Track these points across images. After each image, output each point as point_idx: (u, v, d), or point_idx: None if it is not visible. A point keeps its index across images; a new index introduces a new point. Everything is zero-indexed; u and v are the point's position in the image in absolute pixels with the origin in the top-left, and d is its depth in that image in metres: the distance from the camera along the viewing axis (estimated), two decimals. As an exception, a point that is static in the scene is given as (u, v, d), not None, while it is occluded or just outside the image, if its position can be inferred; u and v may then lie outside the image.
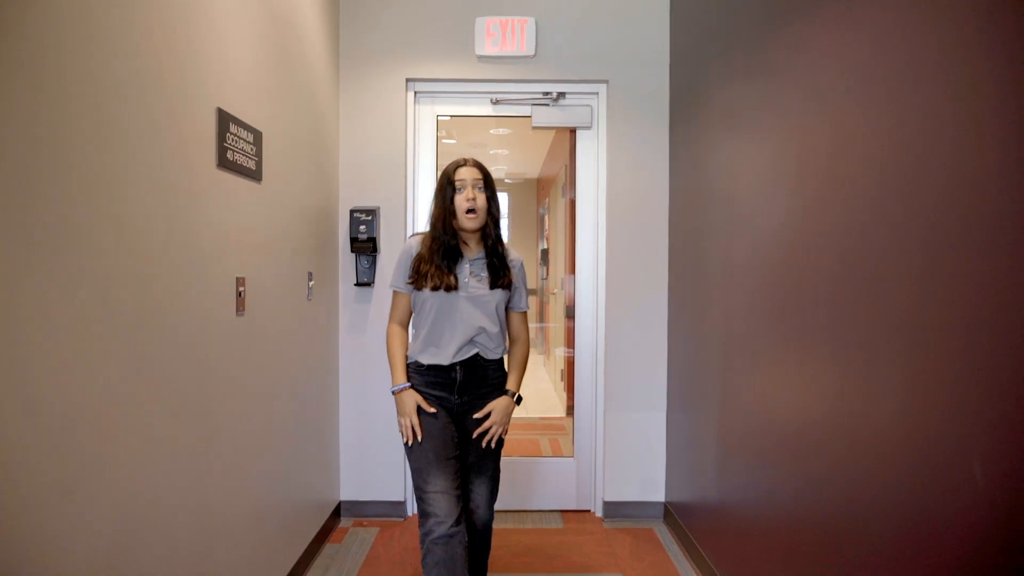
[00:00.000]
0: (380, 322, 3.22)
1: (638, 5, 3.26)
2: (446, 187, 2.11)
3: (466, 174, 2.10)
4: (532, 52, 3.23)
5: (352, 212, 3.19)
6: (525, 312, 2.27)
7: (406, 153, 3.31)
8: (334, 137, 3.19)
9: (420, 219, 3.36)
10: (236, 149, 2.01)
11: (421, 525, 1.98)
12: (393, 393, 2.11)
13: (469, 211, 2.06)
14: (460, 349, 2.08)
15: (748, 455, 2.30)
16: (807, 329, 1.86)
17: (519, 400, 2.18)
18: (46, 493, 1.21)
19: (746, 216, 2.33)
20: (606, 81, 3.29)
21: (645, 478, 3.34)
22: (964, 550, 1.22)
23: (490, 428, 2.10)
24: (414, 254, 2.11)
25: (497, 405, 2.11)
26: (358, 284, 3.23)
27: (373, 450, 3.29)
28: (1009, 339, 1.12)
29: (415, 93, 3.34)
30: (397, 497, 3.32)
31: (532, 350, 2.31)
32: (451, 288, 2.04)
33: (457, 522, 1.95)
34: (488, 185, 2.13)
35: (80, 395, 1.30)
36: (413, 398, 2.06)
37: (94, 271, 1.34)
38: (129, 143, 1.46)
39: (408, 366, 2.13)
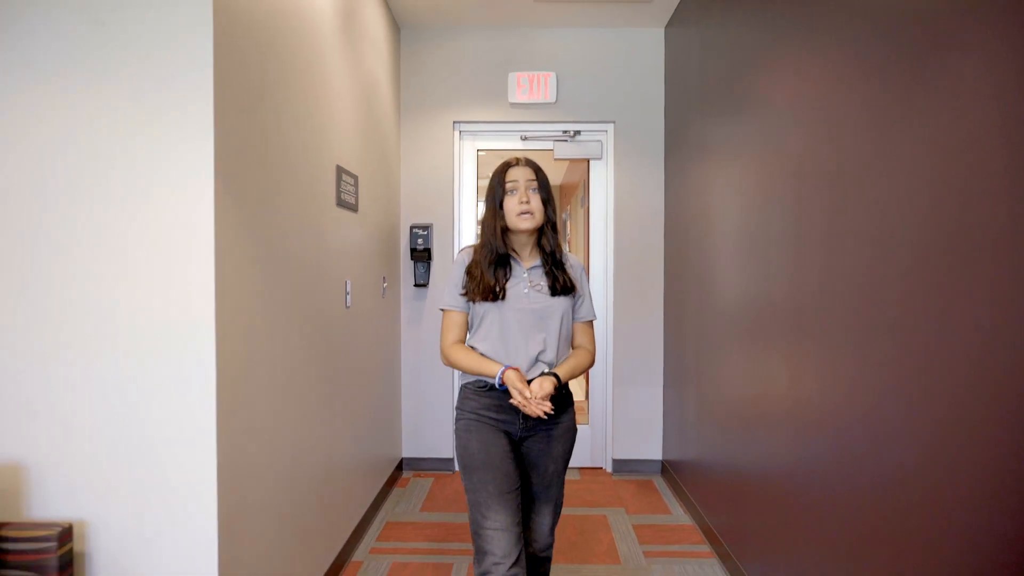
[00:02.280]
0: (432, 315, 4.06)
1: (639, 63, 4.06)
2: (495, 189, 1.93)
3: (518, 175, 1.91)
4: (554, 99, 4.04)
5: (412, 228, 4.03)
6: (591, 322, 2.05)
7: (453, 179, 4.14)
8: (397, 169, 4.04)
9: (465, 232, 4.19)
10: (345, 191, 2.85)
11: (476, 563, 1.80)
12: (502, 382, 1.82)
13: (523, 212, 1.88)
14: (526, 369, 1.87)
15: (712, 423, 3.09)
16: (747, 324, 2.65)
17: (560, 386, 1.87)
18: (258, 433, 2.05)
19: (711, 226, 3.12)
20: (613, 121, 4.09)
21: (646, 440, 4.14)
22: (835, 481, 2.01)
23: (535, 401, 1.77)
24: (466, 265, 1.95)
25: (536, 382, 1.82)
26: (416, 285, 4.07)
27: (426, 417, 4.13)
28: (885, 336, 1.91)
29: (460, 132, 4.17)
30: (447, 455, 4.15)
31: None
32: (500, 297, 1.87)
33: (516, 562, 1.76)
34: (543, 187, 1.93)
35: (279, 370, 2.14)
36: (513, 373, 1.80)
37: (284, 280, 2.18)
38: (298, 193, 2.30)
39: (466, 387, 1.94)
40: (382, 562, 2.89)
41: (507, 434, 1.91)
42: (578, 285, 1.98)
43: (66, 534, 1.61)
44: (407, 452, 4.18)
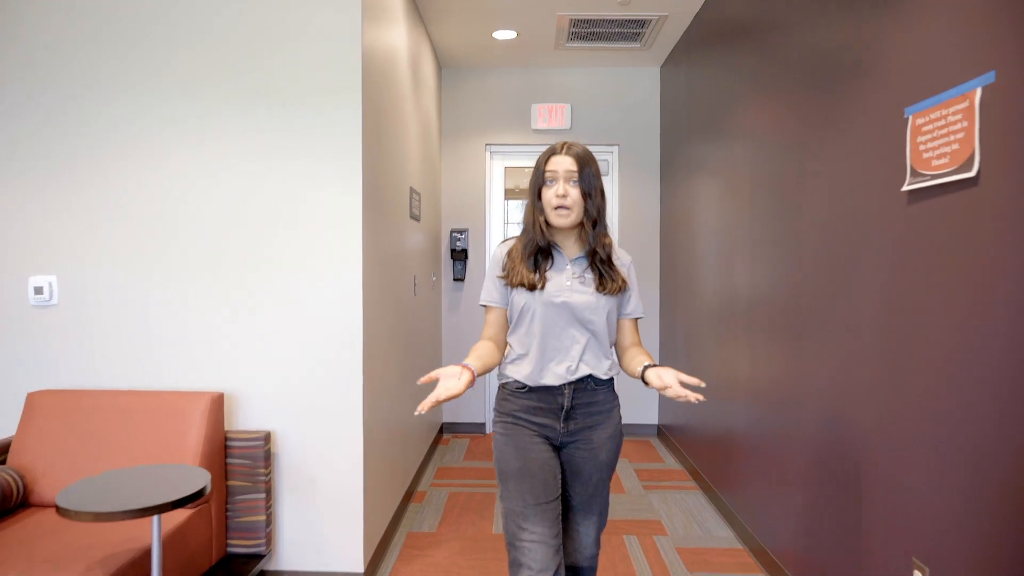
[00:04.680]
0: (468, 303, 4.91)
1: (639, 96, 4.92)
2: (536, 176, 1.78)
3: (557, 164, 1.74)
4: (569, 126, 4.89)
5: (451, 231, 4.89)
6: (638, 320, 1.91)
7: (485, 191, 4.99)
8: (440, 182, 4.89)
9: (495, 235, 5.04)
10: (414, 206, 3.70)
11: (512, 574, 1.70)
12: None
13: (559, 207, 1.73)
14: (569, 367, 1.75)
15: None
16: (719, 315, 3.50)
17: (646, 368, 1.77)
18: (375, 384, 2.89)
19: (695, 232, 3.97)
20: (618, 144, 4.95)
21: (646, 408, 5.00)
22: (787, 453, 2.86)
23: (681, 387, 1.68)
24: (504, 257, 1.83)
25: (663, 370, 1.71)
26: (455, 280, 4.92)
27: (463, 389, 4.98)
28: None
29: (490, 152, 5.02)
30: (479, 420, 5.00)
31: None
32: (539, 286, 1.74)
33: (555, 574, 1.68)
34: (584, 178, 1.73)
35: (384, 343, 2.98)
36: (452, 367, 1.67)
37: (386, 276, 3.02)
38: (390, 209, 3.14)
39: (503, 387, 1.82)
40: (442, 492, 3.75)
41: (547, 439, 1.79)
42: (628, 281, 1.85)
43: (267, 438, 2.46)
44: (446, 418, 5.03)
